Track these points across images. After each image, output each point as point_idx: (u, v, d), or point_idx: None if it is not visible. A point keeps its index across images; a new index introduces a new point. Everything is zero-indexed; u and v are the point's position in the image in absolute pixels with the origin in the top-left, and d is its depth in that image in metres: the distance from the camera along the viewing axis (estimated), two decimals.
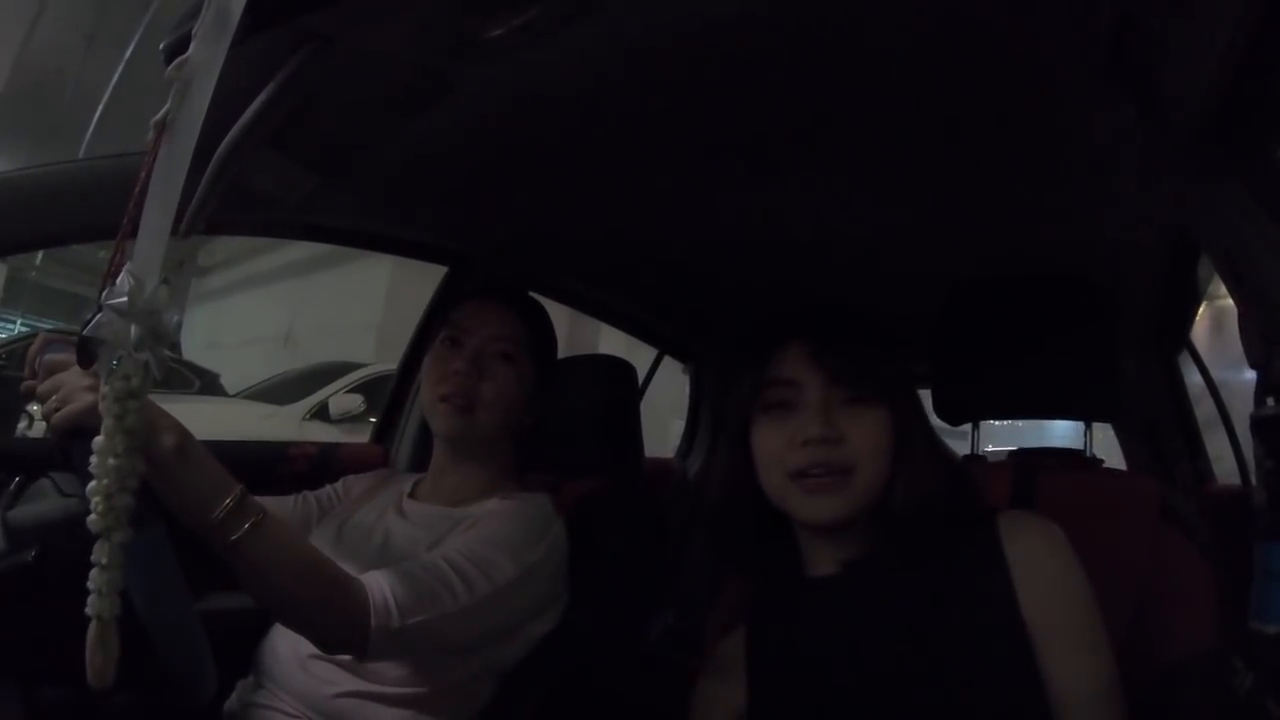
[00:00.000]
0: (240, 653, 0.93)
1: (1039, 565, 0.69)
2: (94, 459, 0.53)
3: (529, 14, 0.59)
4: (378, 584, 0.78)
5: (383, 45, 0.65)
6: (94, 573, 0.51)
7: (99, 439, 0.52)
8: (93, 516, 0.52)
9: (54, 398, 0.64)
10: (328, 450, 1.42)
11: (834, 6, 0.66)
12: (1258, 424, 0.66)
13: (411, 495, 1.05)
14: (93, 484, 0.52)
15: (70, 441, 0.62)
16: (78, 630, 0.52)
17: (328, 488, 1.11)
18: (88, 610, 0.51)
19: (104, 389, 0.53)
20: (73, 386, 0.64)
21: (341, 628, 0.75)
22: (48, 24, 7.41)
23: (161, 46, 0.61)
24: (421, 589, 0.80)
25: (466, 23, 0.61)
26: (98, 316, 0.52)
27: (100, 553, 0.51)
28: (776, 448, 0.75)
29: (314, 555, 0.76)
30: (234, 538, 0.67)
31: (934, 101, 0.80)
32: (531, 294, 1.15)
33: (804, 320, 0.80)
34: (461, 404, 0.98)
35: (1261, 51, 0.57)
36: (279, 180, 0.82)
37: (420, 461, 1.33)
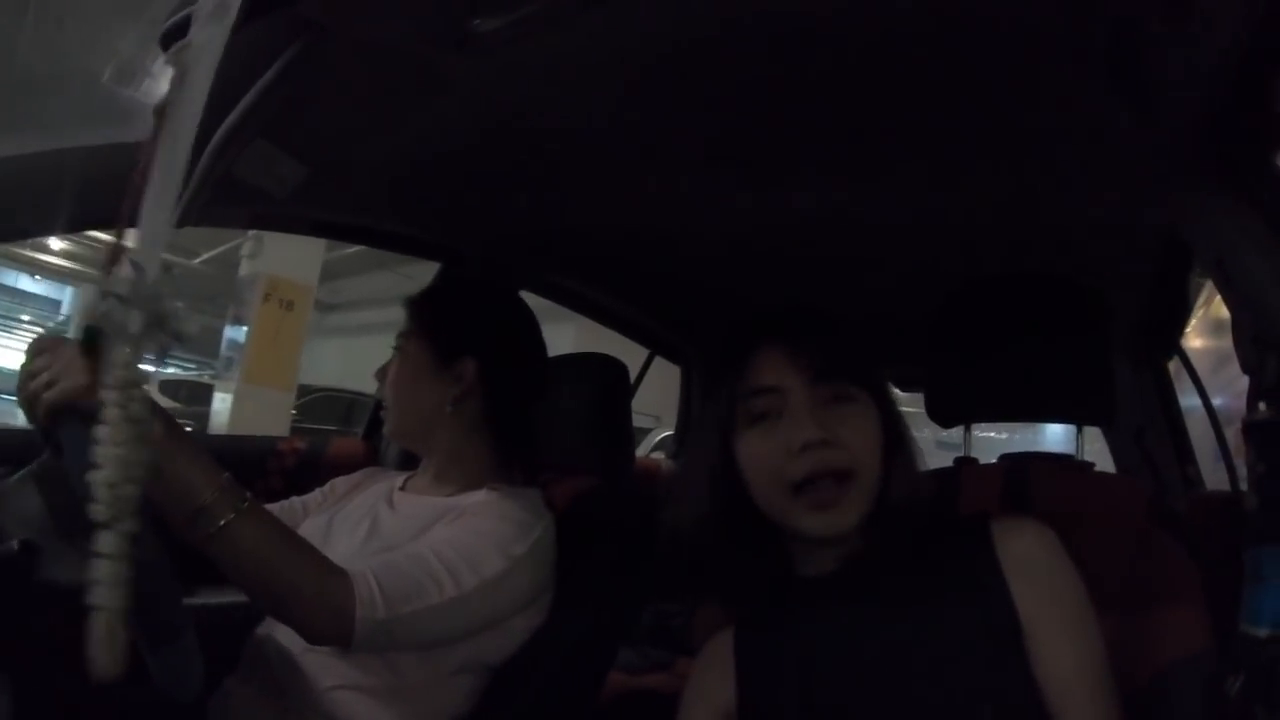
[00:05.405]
0: (229, 646, 0.93)
1: (1033, 566, 0.69)
2: (97, 449, 0.49)
3: (528, 9, 0.59)
4: (364, 575, 0.77)
5: (380, 38, 0.65)
6: (98, 563, 0.48)
7: (103, 427, 0.49)
8: (97, 506, 0.48)
9: (45, 374, 0.61)
10: (316, 446, 1.42)
11: (829, 8, 0.66)
12: (1249, 428, 0.66)
13: (402, 489, 1.05)
14: (96, 473, 0.49)
15: (59, 422, 0.59)
16: (65, 622, 0.50)
17: (315, 492, 1.12)
18: (91, 601, 0.47)
19: (106, 379, 0.49)
20: (65, 361, 0.60)
21: (327, 617, 0.75)
22: None
23: (160, 33, 0.60)
24: (408, 581, 0.79)
25: (465, 17, 0.60)
26: (100, 305, 0.49)
27: (105, 544, 0.48)
28: (770, 460, 0.71)
29: (300, 543, 0.76)
30: (222, 523, 0.67)
31: (928, 104, 0.80)
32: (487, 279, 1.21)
33: (775, 321, 0.76)
34: (385, 407, 1.04)
35: (1259, 57, 0.57)
36: (270, 173, 0.82)
37: (408, 458, 1.33)
